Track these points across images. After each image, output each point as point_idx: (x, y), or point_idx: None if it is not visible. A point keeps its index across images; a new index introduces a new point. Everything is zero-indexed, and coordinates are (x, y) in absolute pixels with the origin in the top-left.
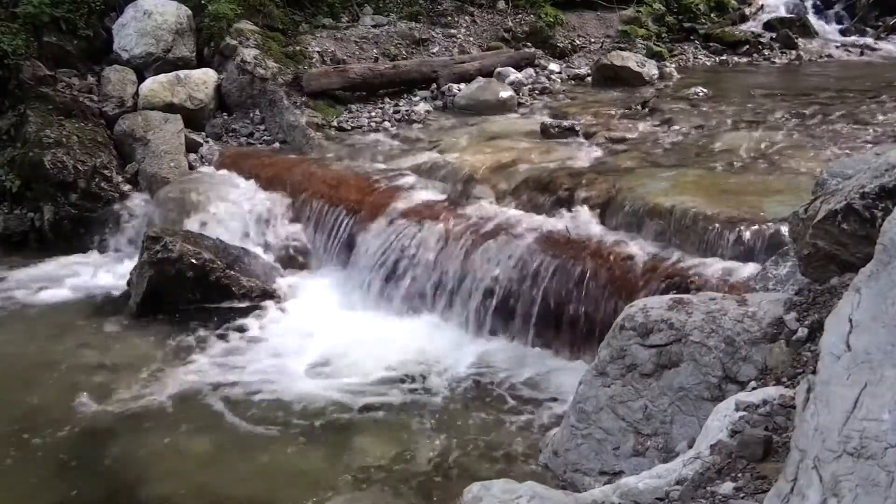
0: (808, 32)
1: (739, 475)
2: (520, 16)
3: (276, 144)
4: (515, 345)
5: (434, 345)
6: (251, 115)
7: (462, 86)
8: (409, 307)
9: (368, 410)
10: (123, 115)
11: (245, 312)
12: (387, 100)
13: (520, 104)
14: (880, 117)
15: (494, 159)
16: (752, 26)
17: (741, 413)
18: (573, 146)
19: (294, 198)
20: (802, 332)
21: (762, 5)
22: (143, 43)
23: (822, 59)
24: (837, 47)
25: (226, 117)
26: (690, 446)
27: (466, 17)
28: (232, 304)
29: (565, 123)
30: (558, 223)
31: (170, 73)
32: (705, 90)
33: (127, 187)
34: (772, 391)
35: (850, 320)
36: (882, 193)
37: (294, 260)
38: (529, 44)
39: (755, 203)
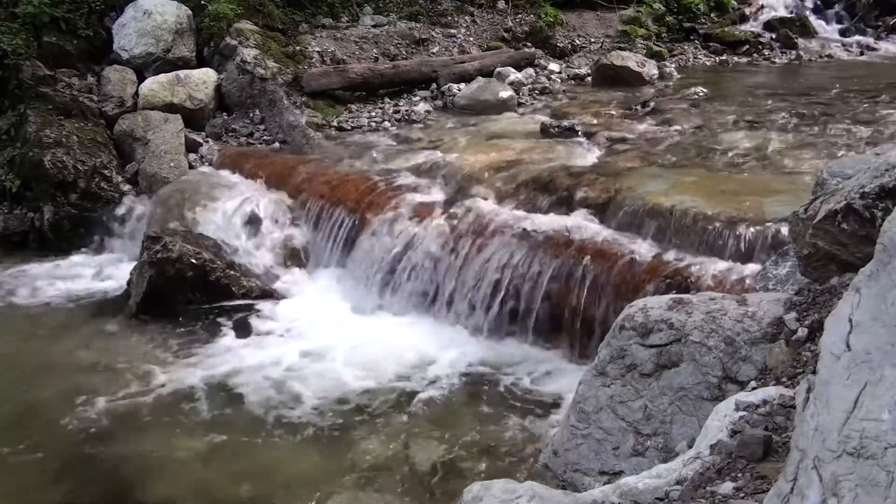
0: (808, 32)
1: (739, 475)
2: (520, 16)
3: (276, 144)
4: (515, 344)
5: (434, 344)
6: (251, 114)
7: (462, 86)
8: (408, 306)
9: (368, 410)
10: (123, 115)
11: (245, 312)
12: (387, 100)
13: (520, 104)
14: (880, 117)
15: (494, 159)
16: (752, 26)
17: (741, 413)
18: (573, 146)
19: (294, 197)
20: (802, 332)
21: (762, 5)
22: (142, 43)
23: (822, 59)
24: (837, 47)
25: (226, 117)
26: (690, 446)
27: (466, 17)
28: (232, 304)
29: (565, 123)
30: (558, 223)
31: (170, 73)
32: (705, 90)
33: (127, 187)
34: (772, 391)
35: (850, 320)
36: (882, 193)
37: (294, 260)
38: (529, 44)
39: (755, 203)
